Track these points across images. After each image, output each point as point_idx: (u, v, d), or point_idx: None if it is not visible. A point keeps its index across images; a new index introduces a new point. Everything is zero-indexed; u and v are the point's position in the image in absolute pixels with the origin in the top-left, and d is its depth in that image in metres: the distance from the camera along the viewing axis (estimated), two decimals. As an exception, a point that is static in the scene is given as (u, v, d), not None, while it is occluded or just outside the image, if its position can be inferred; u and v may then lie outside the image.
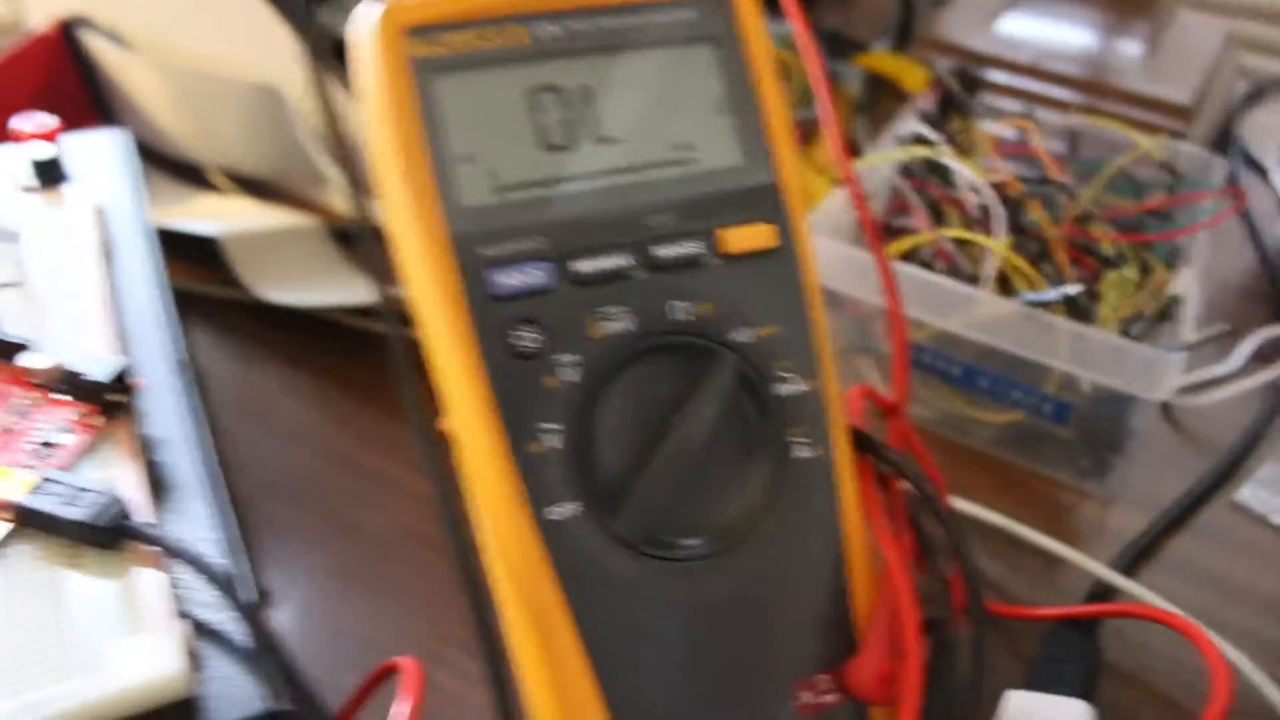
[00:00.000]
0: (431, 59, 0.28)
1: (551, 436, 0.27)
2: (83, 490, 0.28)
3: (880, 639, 0.29)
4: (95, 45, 0.56)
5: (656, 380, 0.28)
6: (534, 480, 0.27)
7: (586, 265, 0.28)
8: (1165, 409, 0.48)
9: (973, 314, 0.41)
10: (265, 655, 0.26)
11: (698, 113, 0.30)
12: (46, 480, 0.28)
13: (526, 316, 0.27)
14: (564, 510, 0.27)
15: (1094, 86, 0.61)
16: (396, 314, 0.28)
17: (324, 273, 0.51)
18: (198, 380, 0.46)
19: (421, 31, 0.28)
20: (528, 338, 0.27)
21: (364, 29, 0.28)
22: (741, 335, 0.29)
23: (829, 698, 0.29)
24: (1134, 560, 0.41)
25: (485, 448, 0.27)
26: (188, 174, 0.57)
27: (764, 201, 0.30)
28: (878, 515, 0.31)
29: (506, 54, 0.28)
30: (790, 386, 0.30)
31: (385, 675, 0.31)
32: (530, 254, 0.28)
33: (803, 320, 0.30)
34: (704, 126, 0.30)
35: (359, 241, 0.53)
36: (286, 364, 0.48)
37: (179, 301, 0.50)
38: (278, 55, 0.53)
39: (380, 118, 0.27)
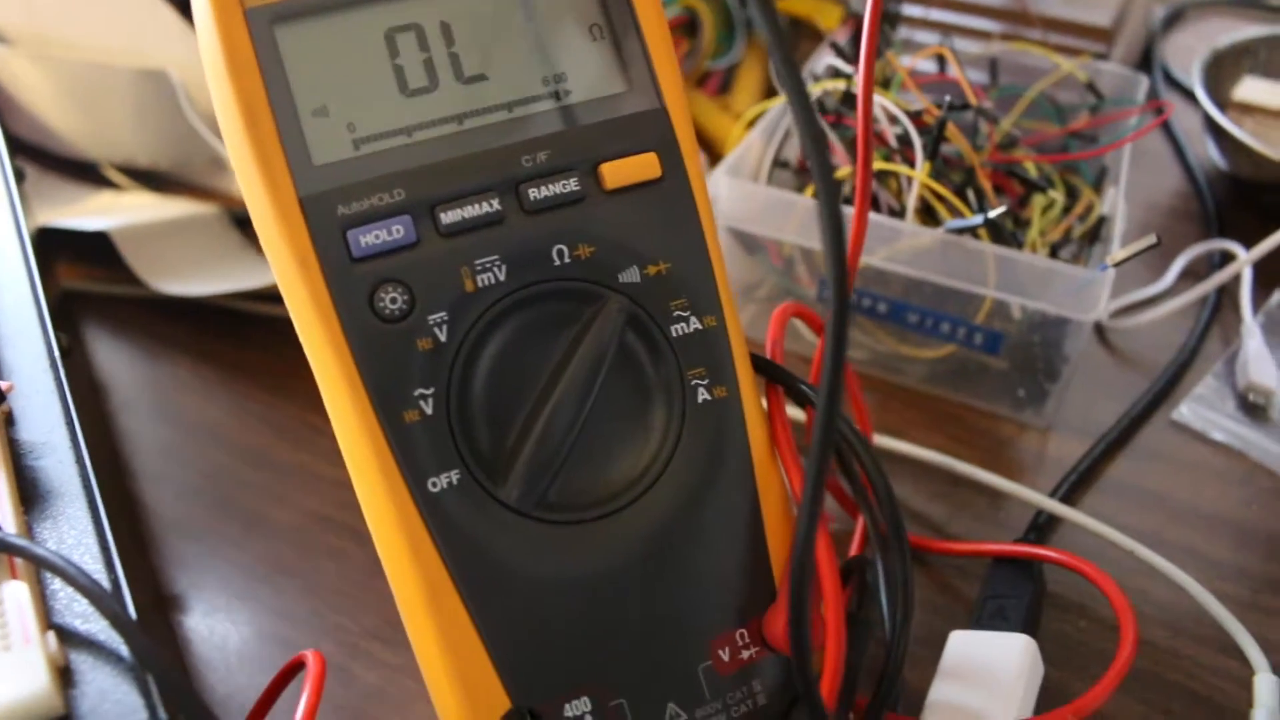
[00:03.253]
0: (269, 7, 0.26)
1: (426, 402, 0.26)
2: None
3: (799, 585, 0.27)
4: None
5: (539, 332, 0.27)
6: (410, 451, 0.25)
7: (452, 214, 0.26)
8: (1099, 332, 0.47)
9: (897, 247, 0.40)
10: (145, 666, 0.24)
11: (572, 40, 0.28)
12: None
13: (390, 276, 0.26)
14: (445, 480, 0.25)
15: (1013, 15, 0.60)
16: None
17: (225, 261, 0.48)
18: (89, 380, 0.44)
19: (251, -21, 0.26)
20: (393, 299, 0.26)
21: (194, -16, 0.26)
22: (630, 275, 0.27)
23: (748, 653, 0.27)
24: (1074, 487, 0.40)
25: (355, 421, 0.25)
26: (84, 173, 0.55)
27: (647, 129, 0.28)
28: (787, 452, 0.29)
29: None
30: (687, 325, 0.28)
31: (294, 671, 0.29)
32: (390, 208, 0.26)
33: (697, 253, 0.28)
34: (579, 54, 0.28)
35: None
36: (192, 358, 0.46)
37: (75, 301, 0.48)
38: (163, 37, 0.50)
39: (218, 77, 0.25)
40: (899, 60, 0.50)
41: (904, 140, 0.42)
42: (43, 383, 0.32)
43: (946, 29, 0.59)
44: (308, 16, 0.26)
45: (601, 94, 0.28)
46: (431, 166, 0.26)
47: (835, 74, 0.46)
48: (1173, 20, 0.71)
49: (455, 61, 0.27)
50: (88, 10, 0.52)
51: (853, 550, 0.35)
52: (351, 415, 0.25)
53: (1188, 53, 0.65)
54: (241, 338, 0.46)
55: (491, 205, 0.27)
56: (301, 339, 0.26)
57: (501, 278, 0.26)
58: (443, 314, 0.26)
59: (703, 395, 0.28)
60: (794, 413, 0.36)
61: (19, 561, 0.26)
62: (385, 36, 0.27)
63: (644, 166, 0.28)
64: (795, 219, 0.41)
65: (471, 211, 0.26)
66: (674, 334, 0.28)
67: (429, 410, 0.26)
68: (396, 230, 0.26)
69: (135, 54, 0.51)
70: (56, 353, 0.33)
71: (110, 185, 0.55)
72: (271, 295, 0.46)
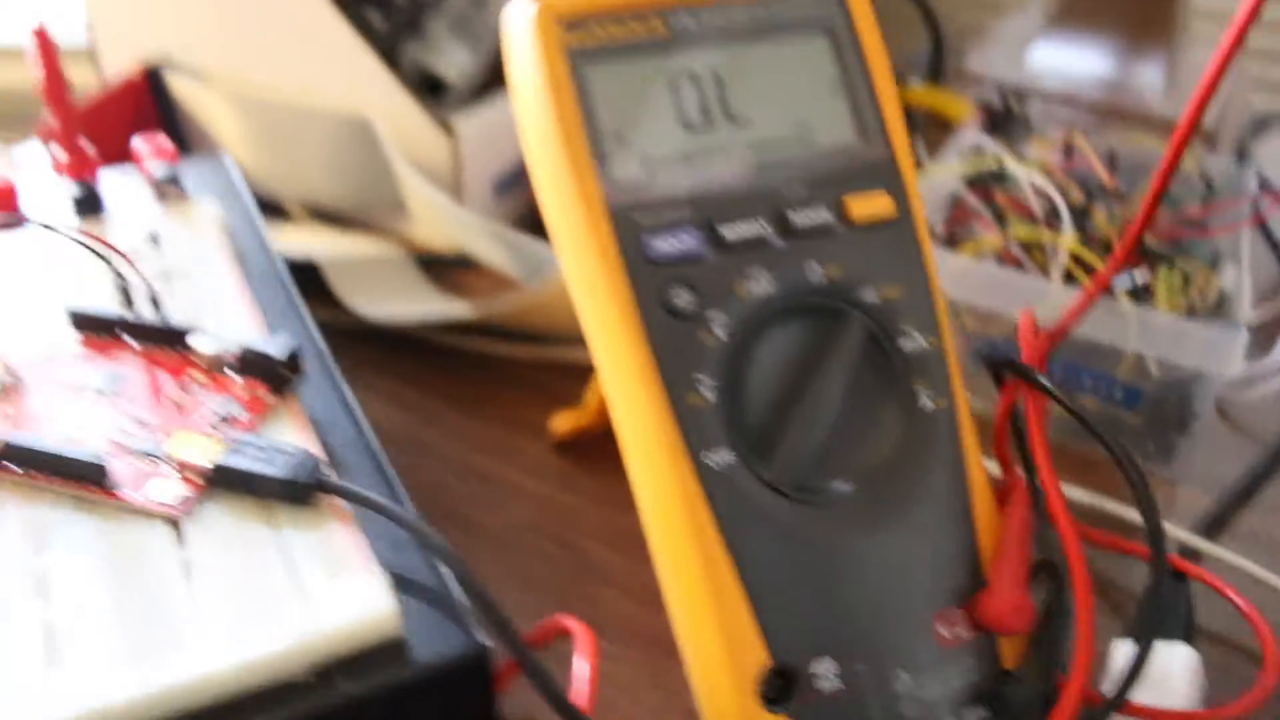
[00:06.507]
0: (582, 48, 0.31)
1: (706, 389, 0.30)
2: (277, 450, 0.30)
3: (1011, 571, 0.31)
4: (178, 84, 0.59)
5: (797, 336, 0.31)
6: (692, 428, 0.29)
7: (730, 231, 0.31)
8: (1218, 403, 0.51)
9: (1046, 305, 0.44)
10: (469, 593, 0.28)
11: (816, 95, 0.33)
12: (238, 442, 0.30)
13: (680, 278, 0.30)
14: (720, 457, 0.29)
15: (1120, 112, 0.65)
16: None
17: (414, 294, 0.53)
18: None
19: (573, 24, 0.31)
20: (683, 297, 0.30)
21: (520, 22, 0.31)
22: (869, 296, 0.32)
23: (962, 632, 0.31)
24: (1208, 531, 0.43)
25: (646, 398, 0.29)
26: (266, 209, 0.60)
27: (881, 174, 0.33)
28: (1043, 451, 0.34)
29: (648, 43, 0.31)
30: (914, 343, 0.32)
31: (552, 633, 0.32)
32: (680, 221, 0.30)
33: (922, 282, 0.33)
34: (822, 107, 0.33)
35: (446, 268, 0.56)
36: (391, 381, 0.50)
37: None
38: (362, 85, 0.55)
39: (539, 102, 0.30)
40: (1032, 145, 0.54)
41: (1049, 211, 0.47)
42: (315, 369, 0.36)
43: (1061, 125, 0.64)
44: (611, 59, 0.31)
45: (843, 142, 0.33)
46: (710, 191, 0.31)
47: (978, 151, 0.51)
48: (1260, 129, 0.75)
49: (725, 105, 0.32)
50: (289, 55, 0.57)
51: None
52: (642, 393, 0.29)
53: (1276, 161, 0.69)
54: (429, 364, 0.51)
55: (761, 227, 0.31)
56: (595, 328, 0.30)
57: (768, 288, 0.31)
58: (721, 314, 0.30)
59: (925, 403, 0.32)
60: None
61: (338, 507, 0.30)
62: (669, 80, 0.32)
63: (882, 205, 0.32)
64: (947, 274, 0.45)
65: (744, 230, 0.31)
66: (904, 349, 0.32)
67: (708, 396, 0.30)
68: (685, 240, 0.30)
69: (333, 98, 0.56)
70: (323, 345, 0.37)
71: (289, 219, 0.59)
72: (458, 328, 0.51)
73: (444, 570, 0.29)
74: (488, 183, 0.57)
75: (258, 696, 0.26)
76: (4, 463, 0.30)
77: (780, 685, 0.29)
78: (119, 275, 0.36)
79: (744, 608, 0.29)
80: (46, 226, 0.37)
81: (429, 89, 0.57)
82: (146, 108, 0.60)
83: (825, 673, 0.29)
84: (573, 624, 0.31)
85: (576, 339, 0.51)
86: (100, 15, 0.63)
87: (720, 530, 0.29)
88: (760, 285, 0.31)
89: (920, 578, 0.31)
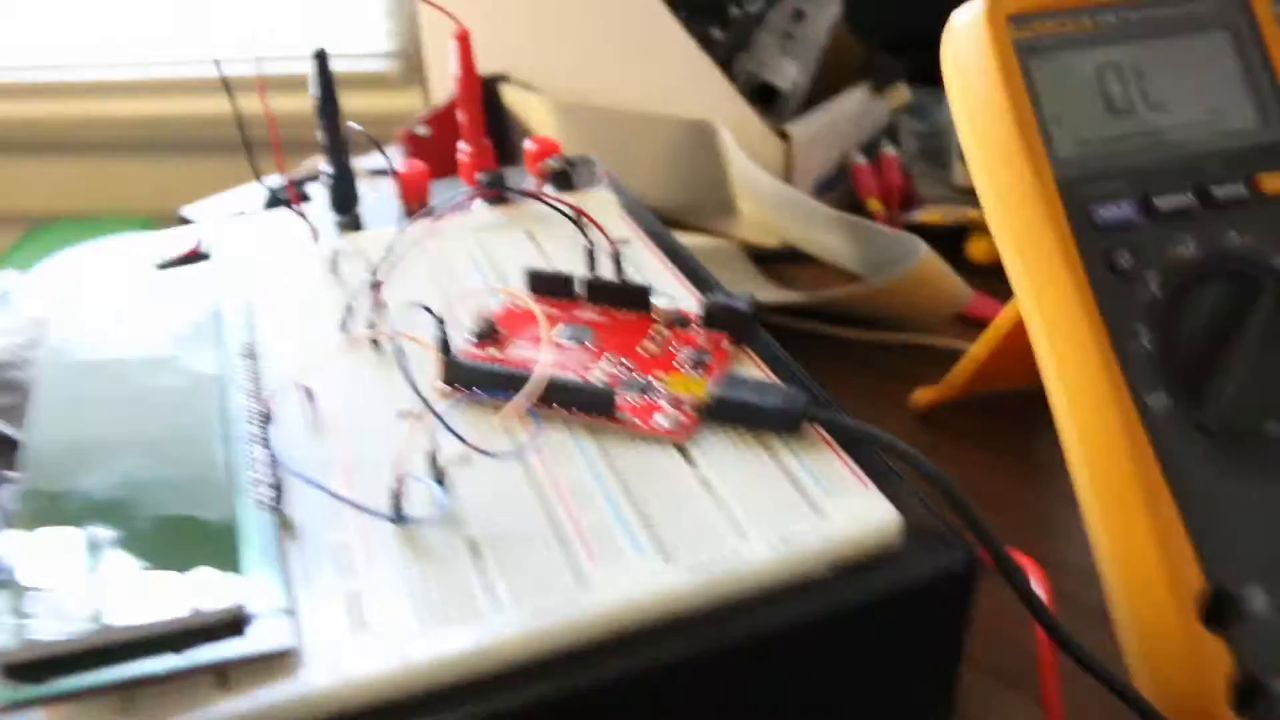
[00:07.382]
0: (1024, 42, 0.35)
1: (1142, 338, 0.34)
2: (765, 386, 0.35)
3: None
4: (511, 94, 0.66)
5: (1218, 297, 0.35)
6: (1133, 372, 0.33)
7: (1162, 202, 0.35)
8: None
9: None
10: (958, 509, 0.32)
11: (1222, 84, 0.37)
12: (728, 379, 0.35)
13: (1121, 242, 0.34)
14: (1155, 399, 0.33)
15: None
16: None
17: (746, 281, 0.58)
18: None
19: (1018, 20, 0.35)
20: (1124, 258, 0.34)
21: (970, 19, 0.36)
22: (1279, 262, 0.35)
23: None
24: None
25: (1094, 344, 0.33)
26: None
27: None
28: None
29: (1078, 38, 0.36)
30: (1319, 305, 0.35)
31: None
32: (1119, 193, 0.35)
33: (1327, 253, 0.36)
34: (1228, 95, 0.37)
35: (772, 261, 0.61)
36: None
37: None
38: (706, 97, 0.61)
39: (991, 89, 0.35)
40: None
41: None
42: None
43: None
44: (1049, 52, 0.36)
45: (1249, 126, 0.37)
46: (1139, 167, 0.35)
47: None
48: None
49: (1144, 93, 0.36)
50: (629, 67, 0.63)
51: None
52: (1089, 340, 0.34)
53: None
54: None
55: (1185, 199, 0.35)
56: (1041, 286, 0.34)
57: (1194, 252, 0.35)
58: (1155, 273, 0.34)
59: (1336, 363, 0.35)
60: None
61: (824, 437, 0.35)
62: (1096, 70, 0.36)
63: (1292, 181, 0.36)
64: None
65: (1173, 202, 0.35)
66: (1313, 312, 0.35)
67: (1145, 345, 0.34)
68: (1124, 209, 0.35)
69: (669, 106, 0.61)
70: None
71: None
72: (799, 311, 0.56)
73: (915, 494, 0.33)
74: (810, 185, 0.62)
75: (788, 589, 0.30)
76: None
77: (1215, 607, 0.33)
78: (586, 238, 0.42)
79: (1180, 530, 0.33)
80: (526, 194, 0.44)
81: (759, 99, 0.63)
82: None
83: (1255, 597, 0.33)
84: (1022, 557, 0.35)
85: (919, 325, 0.56)
86: (433, 36, 0.71)
87: (1159, 461, 0.33)
88: (1188, 249, 0.35)
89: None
